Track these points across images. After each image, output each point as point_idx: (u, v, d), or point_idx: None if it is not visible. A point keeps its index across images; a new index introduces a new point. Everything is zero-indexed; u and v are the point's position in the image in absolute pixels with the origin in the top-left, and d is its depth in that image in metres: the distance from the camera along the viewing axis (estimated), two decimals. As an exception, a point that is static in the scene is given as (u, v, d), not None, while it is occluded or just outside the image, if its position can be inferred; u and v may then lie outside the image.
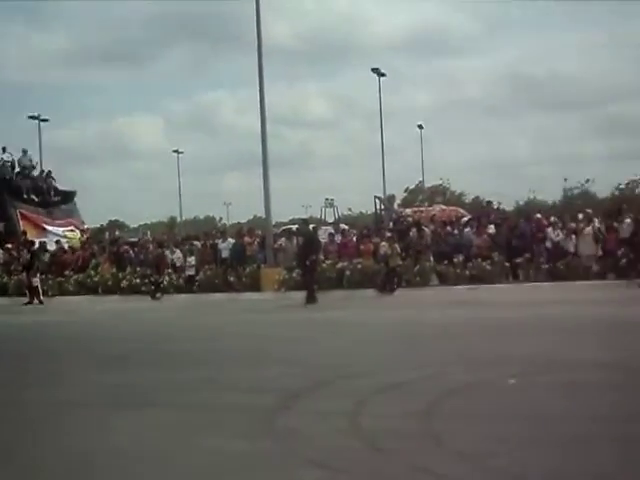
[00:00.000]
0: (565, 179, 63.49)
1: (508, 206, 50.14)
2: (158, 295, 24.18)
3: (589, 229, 21.04)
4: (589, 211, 22.76)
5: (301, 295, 19.80)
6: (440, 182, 70.90)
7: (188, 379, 9.27)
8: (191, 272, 24.87)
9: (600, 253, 20.96)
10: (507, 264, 21.52)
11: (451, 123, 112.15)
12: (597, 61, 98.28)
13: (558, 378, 8.25)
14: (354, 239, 24.29)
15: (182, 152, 74.61)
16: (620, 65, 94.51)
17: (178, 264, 25.39)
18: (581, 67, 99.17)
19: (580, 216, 22.30)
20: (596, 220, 21.71)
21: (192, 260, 25.15)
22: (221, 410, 7.49)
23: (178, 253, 25.78)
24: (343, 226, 28.15)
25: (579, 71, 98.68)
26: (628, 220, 20.85)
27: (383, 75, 49.12)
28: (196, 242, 26.97)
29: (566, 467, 5.30)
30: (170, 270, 25.16)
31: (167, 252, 26.04)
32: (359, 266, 22.19)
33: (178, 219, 77.80)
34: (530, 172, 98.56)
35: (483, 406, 7.13)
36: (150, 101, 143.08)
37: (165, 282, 24.64)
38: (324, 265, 21.89)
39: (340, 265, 22.39)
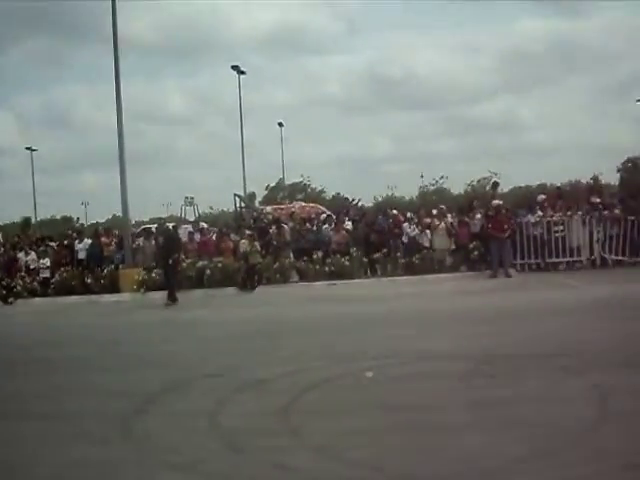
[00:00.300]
0: (421, 176, 65.36)
1: (367, 202, 51.32)
2: (11, 300, 23.18)
3: (443, 224, 21.76)
4: (443, 207, 23.54)
5: (160, 295, 19.54)
6: (301, 179, 71.37)
7: (41, 387, 8.96)
8: (46, 274, 23.97)
9: (453, 247, 21.74)
10: (365, 259, 21.93)
11: (311, 121, 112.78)
12: (452, 63, 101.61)
13: (412, 369, 8.53)
14: (214, 237, 24.16)
15: (36, 149, 71.99)
16: (473, 67, 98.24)
17: (32, 266, 24.40)
18: (436, 68, 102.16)
19: (434, 212, 23.04)
20: (449, 215, 22.52)
21: (47, 262, 24.25)
22: (76, 417, 7.29)
23: (32, 255, 24.79)
24: (203, 224, 27.91)
25: (435, 72, 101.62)
26: (479, 215, 21.73)
27: (243, 73, 49.03)
28: (51, 243, 26.06)
29: (423, 456, 5.48)
30: (23, 273, 24.20)
31: (20, 254, 25.03)
32: (219, 264, 22.06)
33: (33, 219, 74.89)
34: (389, 169, 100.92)
35: (341, 400, 7.27)
36: (0, 95, 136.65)
37: (18, 286, 23.67)
38: (184, 264, 21.66)
39: (200, 264, 22.20)
